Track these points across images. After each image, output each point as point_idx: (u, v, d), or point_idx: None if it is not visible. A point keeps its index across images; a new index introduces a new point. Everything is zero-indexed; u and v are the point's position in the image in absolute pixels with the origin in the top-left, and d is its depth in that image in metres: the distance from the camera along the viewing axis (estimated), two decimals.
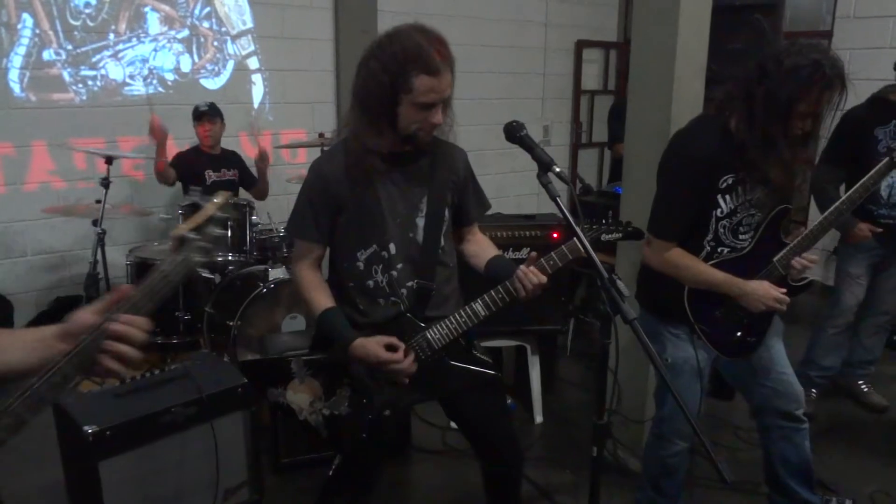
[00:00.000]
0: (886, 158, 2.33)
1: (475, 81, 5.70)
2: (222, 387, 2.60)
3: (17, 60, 4.09)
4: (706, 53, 2.88)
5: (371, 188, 1.98)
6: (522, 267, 1.94)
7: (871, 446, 3.39)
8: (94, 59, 4.33)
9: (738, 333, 2.33)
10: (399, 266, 2.02)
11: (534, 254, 1.95)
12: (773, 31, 5.04)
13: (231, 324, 3.53)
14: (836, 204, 2.30)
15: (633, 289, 2.50)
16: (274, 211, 4.36)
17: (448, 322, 2.01)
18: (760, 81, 2.05)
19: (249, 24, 4.87)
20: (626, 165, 3.11)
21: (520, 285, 1.93)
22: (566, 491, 3.01)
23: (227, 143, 4.41)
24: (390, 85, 1.82)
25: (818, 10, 5.48)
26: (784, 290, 2.22)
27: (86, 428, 2.26)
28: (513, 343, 3.62)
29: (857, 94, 3.37)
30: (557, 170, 1.70)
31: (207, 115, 4.19)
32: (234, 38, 4.83)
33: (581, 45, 6.64)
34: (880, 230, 3.31)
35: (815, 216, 2.40)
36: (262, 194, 4.44)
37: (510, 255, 3.25)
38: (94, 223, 3.79)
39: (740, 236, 2.27)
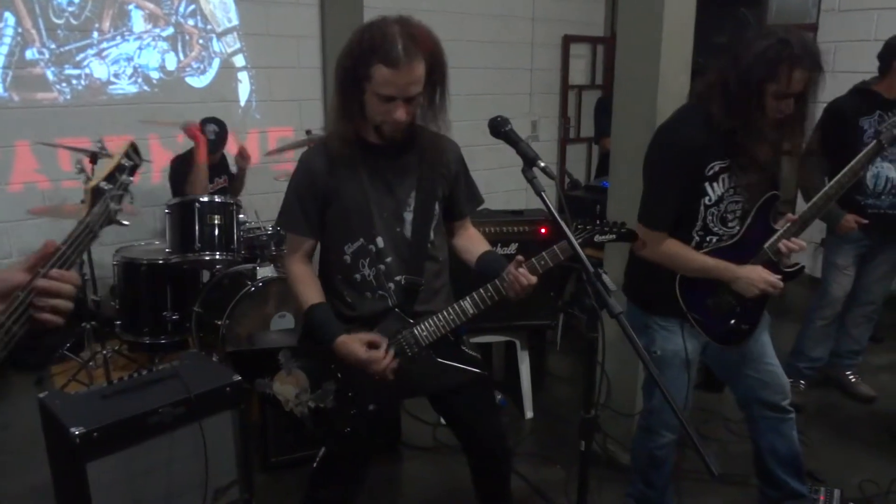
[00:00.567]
0: (874, 141, 2.34)
1: (462, 77, 5.67)
2: (211, 386, 2.58)
3: None
4: (692, 47, 2.89)
5: (356, 181, 1.98)
6: (512, 267, 1.93)
7: (859, 436, 3.41)
8: (77, 58, 4.30)
9: (732, 321, 2.33)
10: (388, 260, 2.02)
11: (520, 257, 1.94)
12: (758, 25, 5.06)
13: (219, 323, 3.52)
14: (825, 188, 2.30)
15: (622, 283, 2.51)
16: (262, 209, 4.34)
17: (436, 319, 2.01)
18: (733, 67, 2.07)
19: (235, 22, 4.84)
20: (612, 159, 3.11)
21: (509, 285, 1.93)
22: (557, 486, 3.02)
23: None
24: (353, 70, 1.83)
25: (803, 4, 5.51)
26: (777, 277, 2.23)
27: (73, 429, 2.24)
28: (502, 338, 3.62)
29: (842, 86, 3.42)
30: (542, 165, 1.70)
31: (212, 146, 4.07)
32: (220, 35, 4.80)
33: (568, 40, 6.64)
34: (866, 221, 3.34)
35: (801, 208, 2.41)
36: (236, 191, 4.39)
37: (499, 250, 3.25)
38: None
39: (728, 223, 2.28)
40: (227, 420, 2.63)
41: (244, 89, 4.98)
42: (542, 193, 1.67)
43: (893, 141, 2.35)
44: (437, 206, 2.07)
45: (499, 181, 6.02)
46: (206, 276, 4.14)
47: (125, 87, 4.48)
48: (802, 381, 3.75)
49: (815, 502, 2.62)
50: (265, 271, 3.73)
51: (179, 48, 4.65)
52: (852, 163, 2.30)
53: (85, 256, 3.79)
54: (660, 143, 2.29)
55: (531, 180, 1.70)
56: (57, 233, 3.86)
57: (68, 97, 4.31)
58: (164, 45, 4.58)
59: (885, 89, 3.32)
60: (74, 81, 4.31)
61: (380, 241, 2.01)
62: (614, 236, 2.00)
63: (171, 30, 4.59)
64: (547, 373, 4.05)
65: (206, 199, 3.72)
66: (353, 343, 1.95)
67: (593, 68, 6.98)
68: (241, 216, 3.88)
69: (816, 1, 5.35)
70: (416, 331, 2.01)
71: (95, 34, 4.33)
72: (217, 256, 3.72)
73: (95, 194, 1.27)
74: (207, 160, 4.05)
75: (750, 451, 2.64)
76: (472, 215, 2.27)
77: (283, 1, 4.98)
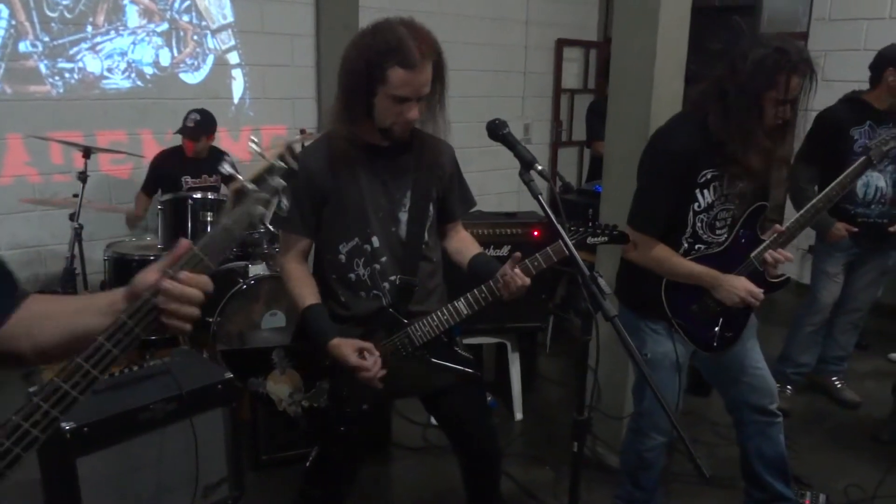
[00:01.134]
0: (864, 157, 2.37)
1: (456, 79, 5.63)
2: (202, 383, 2.58)
3: None
4: (686, 53, 2.91)
5: (354, 181, 1.98)
6: (506, 268, 1.94)
7: (844, 441, 3.45)
8: (71, 52, 4.27)
9: (716, 329, 2.36)
10: (382, 260, 2.03)
11: (517, 254, 1.96)
12: (751, 33, 5.11)
13: (210, 320, 3.51)
14: (814, 201, 2.34)
15: (613, 287, 2.53)
16: None
17: (430, 319, 2.02)
18: (731, 77, 2.09)
19: (230, 19, 4.83)
20: (606, 163, 3.13)
21: (503, 286, 1.94)
22: (546, 487, 3.03)
23: None
24: (367, 75, 1.83)
25: (795, 12, 5.57)
26: (762, 287, 2.26)
27: (63, 424, 2.24)
28: (493, 340, 3.63)
29: (832, 94, 3.46)
30: (540, 168, 1.71)
31: (191, 132, 4.08)
32: (215, 32, 4.79)
33: (561, 44, 6.67)
34: (856, 230, 3.38)
35: (790, 215, 2.44)
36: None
37: (491, 252, 3.26)
38: (71, 217, 3.74)
39: (717, 231, 2.31)
40: (218, 417, 2.64)
41: (238, 86, 4.96)
42: (539, 196, 1.69)
43: (882, 158, 2.39)
44: (431, 207, 2.08)
45: (491, 183, 6.04)
46: None
47: (118, 81, 4.46)
48: (789, 387, 3.78)
49: None
50: (257, 269, 3.72)
51: (174, 44, 4.63)
52: (841, 177, 2.34)
53: (76, 251, 3.78)
54: (654, 149, 2.31)
55: (528, 183, 1.71)
56: (47, 227, 3.84)
57: (61, 91, 4.28)
58: (158, 40, 4.56)
59: (875, 99, 3.36)
60: (67, 75, 4.29)
61: (375, 241, 2.02)
62: (606, 238, 2.02)
63: (165, 25, 4.57)
64: (537, 375, 4.07)
65: (199, 195, 3.72)
66: (346, 348, 1.95)
67: (586, 72, 7.01)
68: None
69: (807, 10, 5.41)
70: (410, 330, 2.02)
71: (89, 28, 4.30)
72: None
73: (238, 195, 1.15)
74: (196, 151, 4.10)
75: (737, 454, 2.66)
76: (465, 217, 2.28)
77: None
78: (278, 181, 1.16)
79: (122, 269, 3.83)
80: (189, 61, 4.72)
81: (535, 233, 3.41)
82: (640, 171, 2.35)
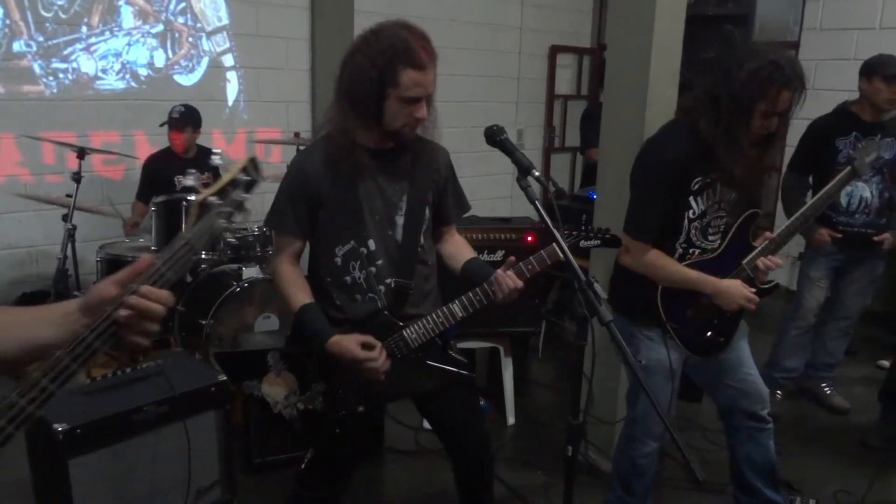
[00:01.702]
0: (848, 168, 2.41)
1: (451, 84, 5.71)
2: (195, 385, 2.57)
3: None
4: (679, 61, 2.94)
5: (350, 184, 1.99)
6: (500, 271, 1.95)
7: (833, 447, 3.47)
8: (65, 52, 4.26)
9: (709, 333, 2.39)
10: (378, 263, 2.04)
11: (512, 258, 1.97)
12: (743, 42, 5.14)
13: (203, 322, 3.50)
14: (802, 210, 2.40)
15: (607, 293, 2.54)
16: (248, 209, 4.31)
17: (425, 322, 2.03)
18: (725, 84, 2.12)
19: (225, 21, 4.83)
20: (600, 170, 3.15)
21: (497, 289, 1.96)
22: (538, 491, 3.04)
23: (200, 140, 4.34)
24: (378, 79, 1.84)
25: (786, 22, 5.62)
26: (753, 292, 2.29)
27: (56, 426, 2.23)
28: (486, 345, 3.64)
29: (823, 103, 3.50)
30: (537, 174, 1.72)
31: (177, 122, 4.08)
32: (210, 34, 4.79)
33: (555, 50, 6.70)
34: (839, 236, 3.42)
35: (781, 222, 2.48)
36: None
37: (485, 257, 3.27)
38: (65, 218, 3.72)
39: (709, 237, 2.34)
40: (211, 420, 2.63)
41: (232, 89, 4.96)
42: (536, 202, 1.70)
43: (866, 169, 2.43)
44: (427, 211, 2.10)
45: (485, 188, 6.05)
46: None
47: (112, 82, 4.45)
48: (778, 392, 3.82)
49: None
50: (250, 272, 3.73)
51: (168, 45, 4.63)
52: (827, 187, 2.40)
53: (69, 251, 3.76)
54: (647, 156, 2.34)
55: (525, 189, 1.72)
56: (39, 227, 3.83)
57: (55, 91, 4.27)
58: (153, 41, 4.56)
59: (860, 110, 3.41)
60: (61, 75, 4.28)
61: (371, 244, 2.03)
62: (599, 242, 2.04)
63: (160, 27, 4.57)
64: (529, 379, 4.09)
65: (193, 197, 3.70)
66: (349, 342, 1.95)
67: (579, 79, 7.05)
68: None
69: (799, 19, 5.47)
70: (405, 333, 2.03)
71: (84, 28, 4.29)
72: (202, 256, 3.71)
73: (202, 209, 1.15)
74: (183, 145, 4.10)
75: (726, 459, 2.68)
76: (459, 222, 2.30)
77: (274, 2, 4.98)
78: (241, 194, 1.17)
79: (114, 270, 3.73)
80: (183, 63, 4.72)
81: (529, 238, 3.42)
82: (633, 179, 2.37)
